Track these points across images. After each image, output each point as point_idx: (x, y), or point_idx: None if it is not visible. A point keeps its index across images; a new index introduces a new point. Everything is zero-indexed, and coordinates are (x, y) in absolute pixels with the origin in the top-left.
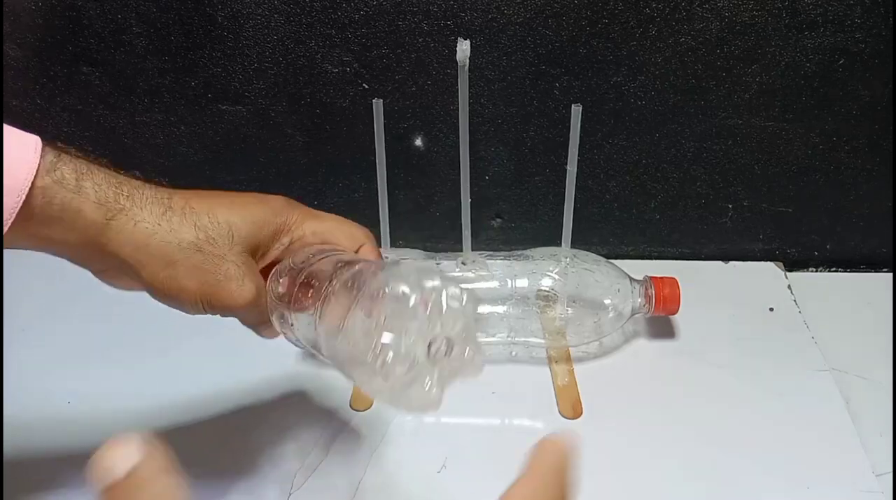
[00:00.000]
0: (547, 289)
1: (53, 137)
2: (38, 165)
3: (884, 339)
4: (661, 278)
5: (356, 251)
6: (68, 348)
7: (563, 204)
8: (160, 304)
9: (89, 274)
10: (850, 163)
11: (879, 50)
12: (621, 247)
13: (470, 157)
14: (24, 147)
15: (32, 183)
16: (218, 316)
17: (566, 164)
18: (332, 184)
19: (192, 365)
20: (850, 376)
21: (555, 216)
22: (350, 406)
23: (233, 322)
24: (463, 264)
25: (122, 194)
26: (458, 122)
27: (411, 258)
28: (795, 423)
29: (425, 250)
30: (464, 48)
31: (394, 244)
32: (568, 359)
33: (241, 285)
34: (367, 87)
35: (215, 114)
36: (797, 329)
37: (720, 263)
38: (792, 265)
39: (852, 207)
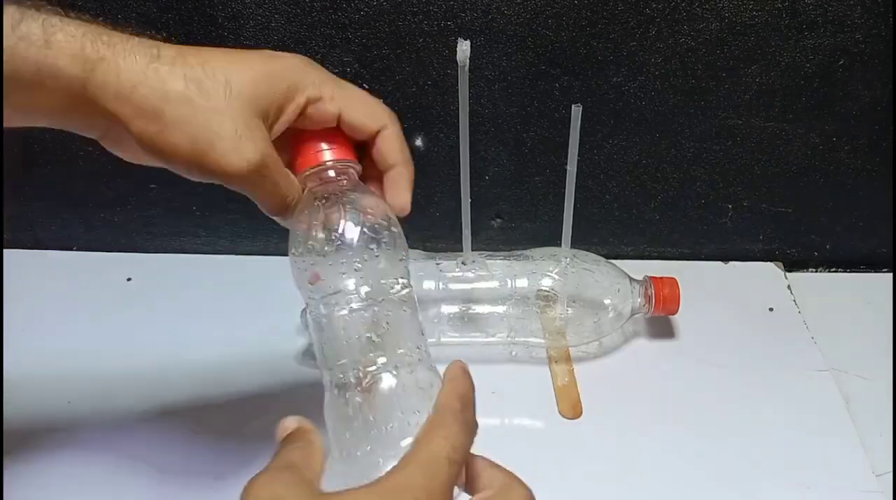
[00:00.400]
0: (547, 289)
1: (54, 136)
2: None
3: (884, 339)
4: (661, 277)
5: (376, 136)
6: (68, 348)
7: (563, 204)
8: (160, 302)
9: (89, 274)
10: (850, 163)
11: (879, 50)
12: (621, 247)
13: (470, 157)
14: None
15: None
16: (218, 307)
17: (566, 164)
18: None
19: (193, 366)
20: (850, 376)
21: (555, 216)
22: None
23: (235, 321)
24: (463, 264)
25: (102, 43)
26: (458, 122)
27: (412, 259)
28: (795, 423)
29: (425, 249)
30: (464, 48)
31: None
32: (568, 359)
33: (238, 145)
34: (367, 87)
35: None
36: (797, 329)
37: (720, 263)
38: (792, 265)
39: (852, 208)
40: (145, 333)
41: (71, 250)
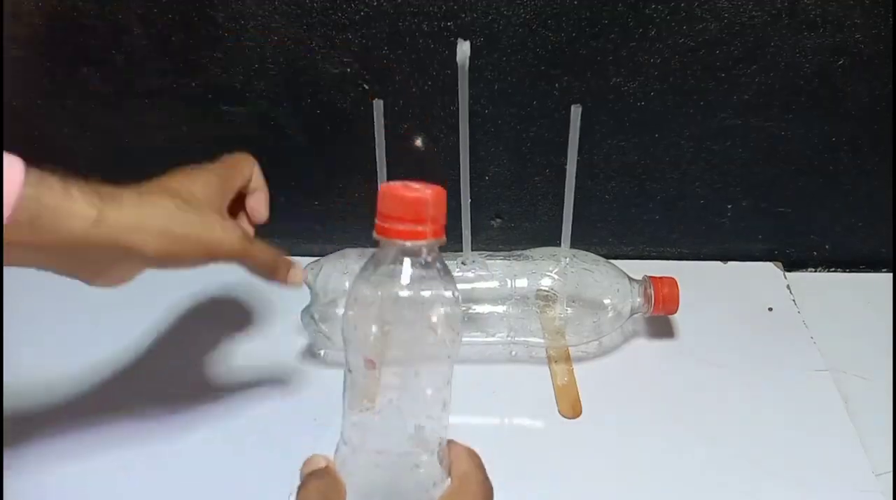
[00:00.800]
0: (546, 289)
1: (53, 137)
2: (23, 176)
3: (884, 339)
4: (661, 277)
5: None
6: (68, 348)
7: (563, 204)
8: (162, 305)
9: None
10: (850, 163)
11: (879, 50)
12: (621, 247)
13: (470, 157)
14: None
15: (22, 194)
16: (218, 307)
17: (566, 164)
18: (333, 184)
19: (194, 366)
20: (850, 376)
21: (554, 216)
22: None
23: (235, 321)
24: (463, 263)
25: (104, 192)
26: (458, 122)
27: None
28: (795, 423)
29: None
30: (464, 49)
31: None
32: (567, 359)
33: (226, 230)
34: (367, 87)
35: (216, 115)
36: (796, 329)
37: (719, 263)
38: (791, 265)
39: (852, 208)
40: (145, 333)
41: None
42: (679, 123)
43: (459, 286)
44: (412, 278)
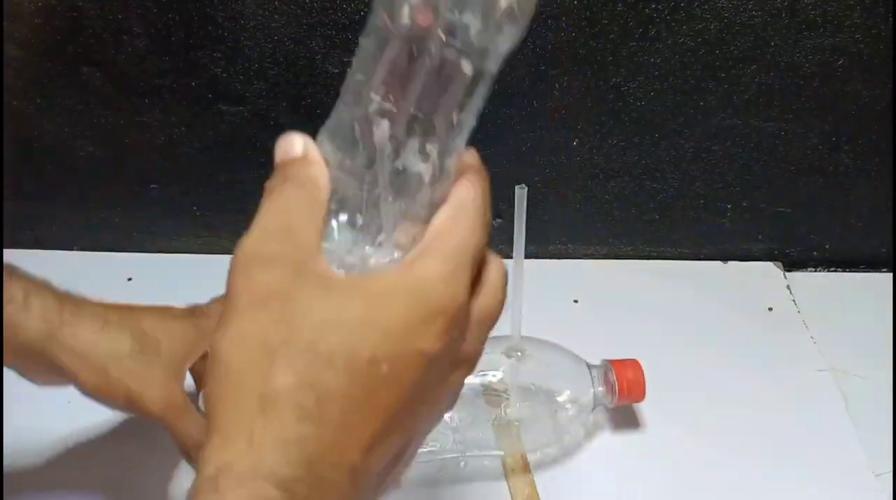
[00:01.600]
0: (496, 385)
1: (54, 136)
2: None
3: (884, 339)
4: (622, 361)
5: None
6: None
7: (564, 203)
8: (160, 303)
9: (89, 274)
10: (850, 163)
11: (879, 50)
12: (621, 247)
13: None
14: None
15: None
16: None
17: (565, 165)
18: None
19: None
20: (850, 376)
21: (555, 216)
22: None
23: None
24: None
25: (66, 311)
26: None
27: None
28: (795, 423)
29: None
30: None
31: None
32: (526, 468)
33: (158, 395)
34: None
35: (216, 114)
36: (796, 329)
37: (719, 263)
38: (791, 265)
39: (852, 207)
40: None
41: (71, 250)
42: (679, 123)
43: None
44: None
